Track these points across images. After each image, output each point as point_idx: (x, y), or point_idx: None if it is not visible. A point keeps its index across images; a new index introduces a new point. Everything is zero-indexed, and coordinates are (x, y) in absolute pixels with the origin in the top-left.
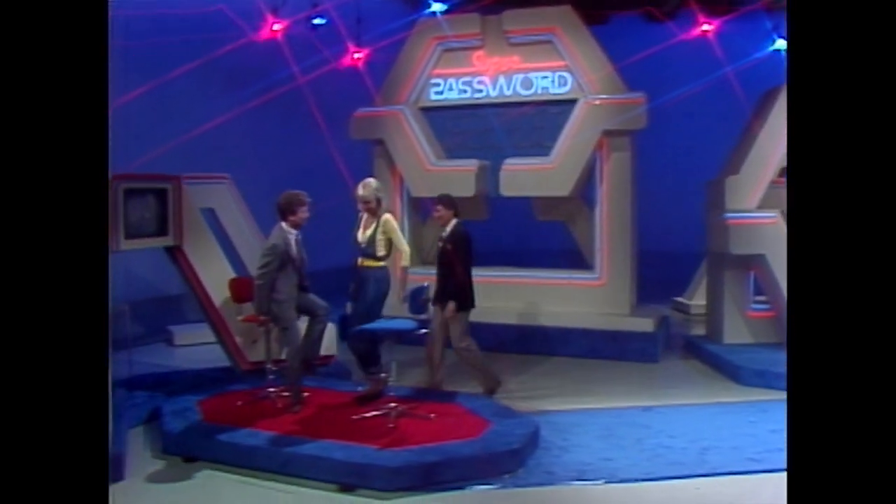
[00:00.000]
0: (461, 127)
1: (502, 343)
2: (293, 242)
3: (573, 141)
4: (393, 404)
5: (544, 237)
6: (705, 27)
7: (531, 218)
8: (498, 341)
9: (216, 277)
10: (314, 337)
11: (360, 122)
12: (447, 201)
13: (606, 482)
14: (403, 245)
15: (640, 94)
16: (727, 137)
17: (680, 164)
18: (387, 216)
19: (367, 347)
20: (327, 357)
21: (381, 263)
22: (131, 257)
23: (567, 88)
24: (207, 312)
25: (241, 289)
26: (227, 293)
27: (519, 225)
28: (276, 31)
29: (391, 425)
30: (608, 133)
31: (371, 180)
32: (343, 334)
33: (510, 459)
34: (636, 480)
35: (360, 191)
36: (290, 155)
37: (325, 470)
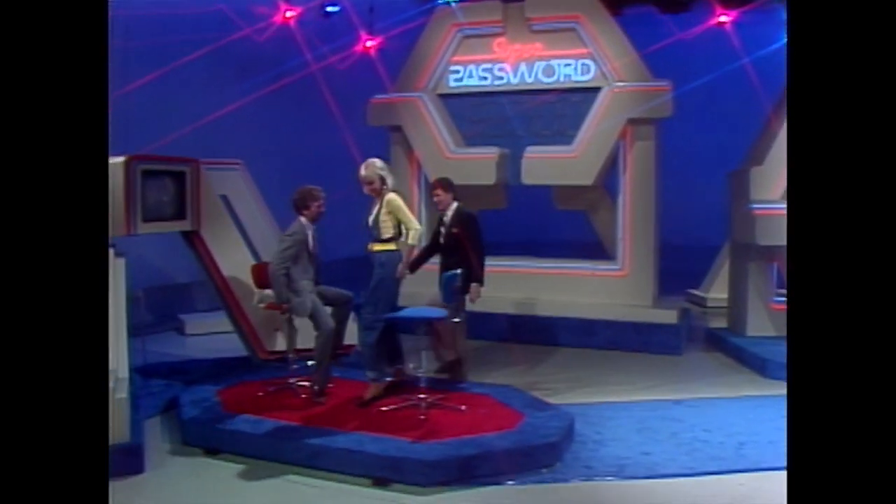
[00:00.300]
0: (480, 114)
1: (523, 334)
2: (310, 236)
3: (597, 129)
4: (422, 395)
5: (562, 227)
6: (722, 18)
7: (550, 207)
8: (518, 332)
9: (235, 264)
10: (337, 327)
11: (378, 108)
12: (446, 184)
13: (648, 477)
14: (413, 223)
15: (665, 82)
16: (735, 130)
17: (690, 156)
18: (390, 195)
19: (382, 340)
20: (347, 346)
21: (389, 247)
22: (139, 243)
23: (590, 76)
24: (225, 300)
25: (263, 274)
26: (245, 280)
27: (537, 214)
28: (288, 17)
29: (422, 417)
30: (633, 121)
31: (374, 160)
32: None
33: (548, 453)
34: (678, 476)
35: (362, 171)
36: (302, 143)
37: (358, 463)
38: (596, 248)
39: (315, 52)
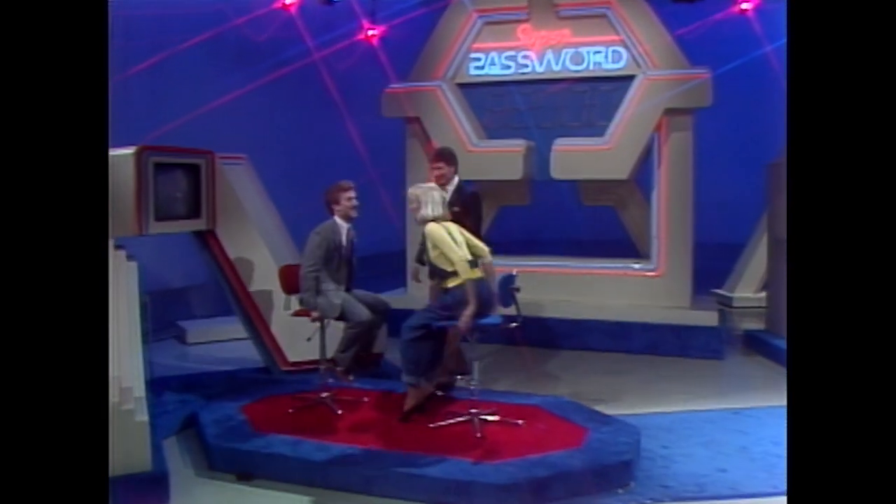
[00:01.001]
0: (502, 105)
1: (555, 338)
2: (344, 235)
3: (631, 120)
4: (474, 410)
5: (588, 223)
6: (744, 6)
7: (575, 203)
8: (550, 336)
9: (253, 266)
10: (373, 331)
11: (392, 98)
12: (449, 156)
13: (731, 497)
14: (453, 253)
15: (703, 69)
16: (756, 121)
17: (701, 150)
18: (427, 227)
19: (425, 343)
20: (375, 355)
21: (459, 280)
22: (127, 243)
23: (622, 64)
24: (242, 306)
25: (292, 278)
26: (265, 283)
27: (562, 211)
28: (288, 4)
29: (478, 435)
30: (669, 111)
31: (422, 184)
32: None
33: (622, 472)
34: (762, 495)
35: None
36: (304, 136)
37: (419, 489)
38: (627, 246)
39: (316, 41)
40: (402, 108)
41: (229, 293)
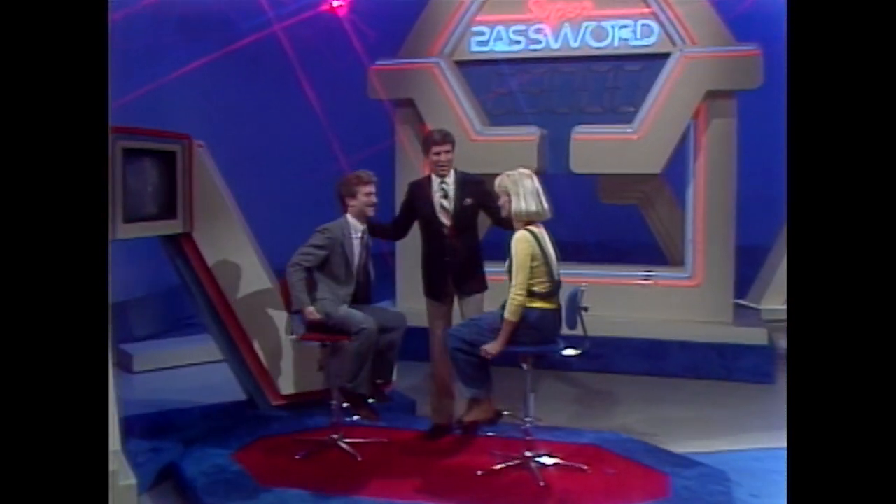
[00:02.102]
0: (508, 86)
1: (578, 358)
2: (355, 239)
3: (666, 104)
4: (528, 452)
5: (605, 224)
6: None
7: (591, 200)
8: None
9: (239, 277)
10: (388, 353)
11: (381, 77)
12: (453, 140)
13: None
14: (518, 278)
15: (753, 45)
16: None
17: None
18: (517, 234)
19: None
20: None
21: (538, 303)
22: None
23: (653, 40)
24: (223, 326)
25: None
26: (253, 299)
27: (575, 210)
28: None
29: (541, 483)
30: (710, 95)
31: (515, 173)
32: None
33: None
34: None
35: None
36: (264, 121)
37: None
38: (627, 251)
39: (275, 11)
40: (392, 88)
41: (205, 310)
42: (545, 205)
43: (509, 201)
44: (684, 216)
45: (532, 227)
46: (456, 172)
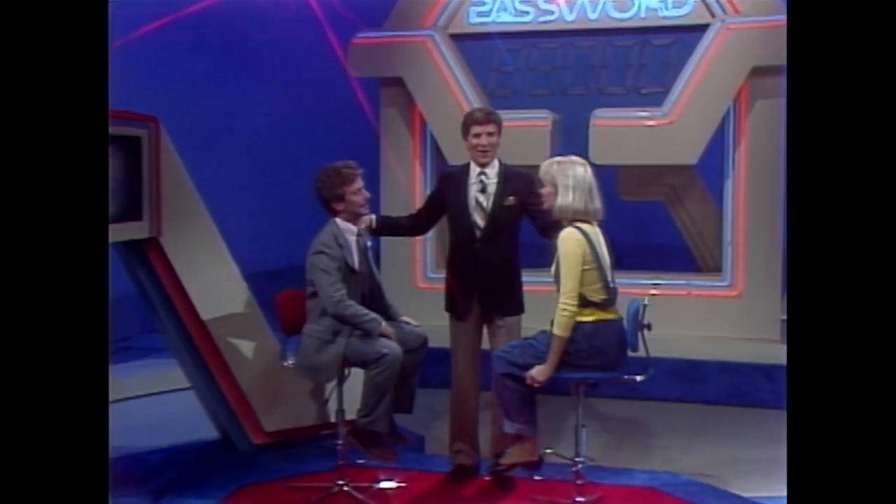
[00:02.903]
0: (515, 64)
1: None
2: (354, 246)
3: (703, 84)
4: (580, 499)
5: (624, 223)
6: None
7: (609, 196)
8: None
9: (216, 292)
10: (407, 379)
11: (364, 52)
12: (500, 121)
13: None
14: (566, 293)
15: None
16: None
17: None
18: (564, 232)
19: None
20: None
21: (593, 315)
22: None
23: (686, 10)
24: (196, 348)
25: (299, 311)
26: (232, 319)
27: None
28: None
29: None
30: (755, 72)
31: (565, 160)
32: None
33: None
34: None
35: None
36: (221, 97)
37: None
38: (650, 255)
39: None
40: (377, 65)
41: (172, 330)
42: (597, 203)
43: (554, 194)
44: (722, 214)
45: (582, 224)
46: (501, 164)
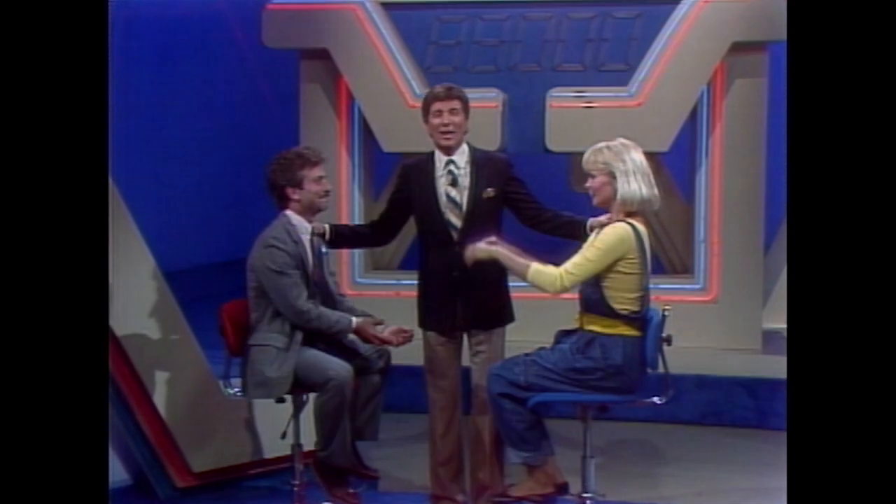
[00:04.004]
0: (456, 36)
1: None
2: (308, 245)
3: (675, 61)
4: None
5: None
6: None
7: (559, 187)
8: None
9: (133, 302)
10: (369, 402)
11: (282, 19)
12: (465, 98)
13: None
14: (584, 263)
15: None
16: None
17: None
18: (614, 227)
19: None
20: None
21: (618, 328)
22: None
23: None
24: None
25: (241, 325)
26: (156, 336)
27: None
28: None
29: None
30: (735, 48)
31: (617, 143)
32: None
33: None
34: None
35: (586, 156)
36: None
37: None
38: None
39: None
40: (298, 35)
41: None
42: (656, 190)
43: (611, 183)
44: (694, 209)
45: (635, 222)
46: (470, 149)
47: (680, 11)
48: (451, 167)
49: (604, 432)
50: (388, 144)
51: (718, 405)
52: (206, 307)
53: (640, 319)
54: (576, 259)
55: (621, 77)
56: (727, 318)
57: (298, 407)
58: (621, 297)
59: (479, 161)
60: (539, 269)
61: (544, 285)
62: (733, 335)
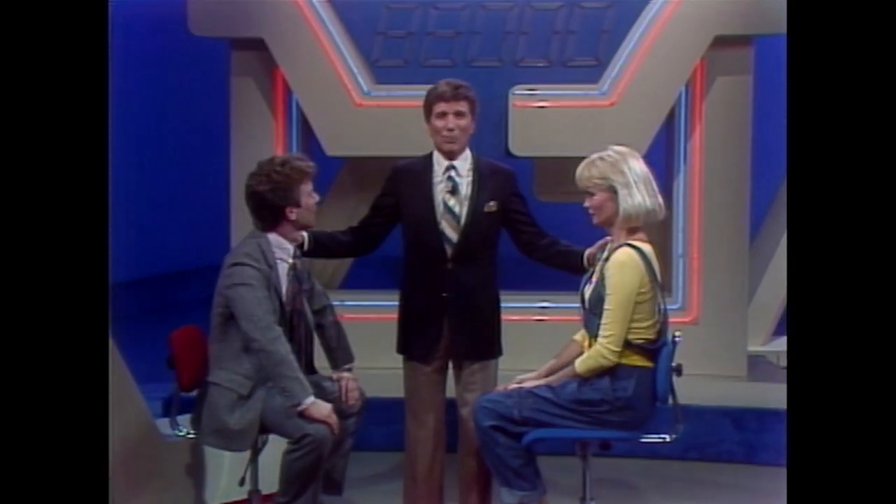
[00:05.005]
0: (407, 26)
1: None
2: (285, 274)
3: (651, 56)
4: None
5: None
6: None
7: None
8: None
9: None
10: (336, 449)
11: (210, 4)
12: (472, 98)
13: None
14: (609, 326)
15: None
16: None
17: None
18: (620, 253)
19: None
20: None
21: (633, 359)
22: None
23: None
24: None
25: (200, 354)
26: None
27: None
28: None
29: None
30: (717, 42)
31: (620, 150)
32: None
33: None
34: None
35: (580, 170)
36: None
37: None
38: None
39: None
40: (230, 22)
41: None
42: (660, 198)
43: (612, 199)
44: (670, 221)
45: (639, 243)
46: (474, 157)
47: (657, 1)
48: (452, 173)
49: (570, 467)
50: (333, 147)
51: (701, 438)
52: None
53: (654, 349)
54: (603, 321)
55: (591, 73)
56: (709, 341)
57: (257, 451)
58: (636, 327)
59: (484, 170)
60: (582, 361)
61: (598, 367)
62: (716, 360)
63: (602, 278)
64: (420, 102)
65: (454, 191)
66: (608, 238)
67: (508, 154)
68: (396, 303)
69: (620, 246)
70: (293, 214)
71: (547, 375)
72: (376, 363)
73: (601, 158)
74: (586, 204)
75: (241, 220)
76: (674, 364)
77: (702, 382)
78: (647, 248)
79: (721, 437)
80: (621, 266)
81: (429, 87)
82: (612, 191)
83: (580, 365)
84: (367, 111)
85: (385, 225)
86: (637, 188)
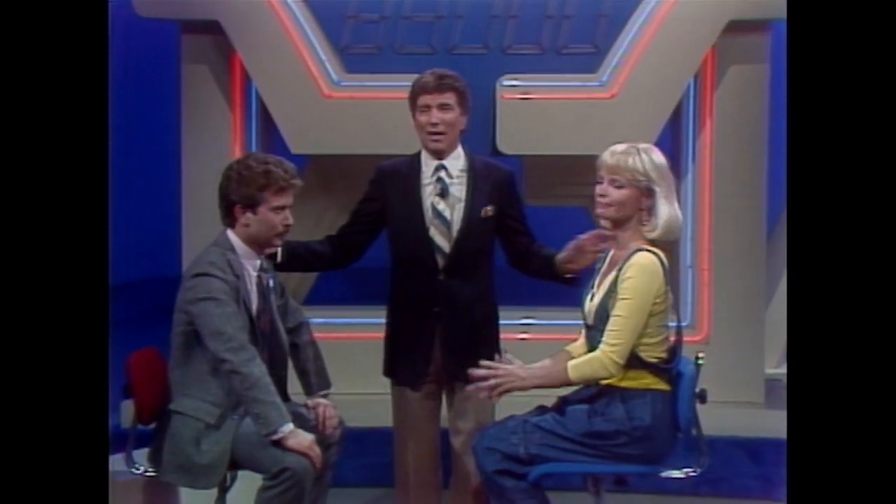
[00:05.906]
0: (381, 11)
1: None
2: (254, 285)
3: (656, 44)
4: None
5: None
6: None
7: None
8: None
9: None
10: (320, 481)
11: None
12: (463, 89)
13: None
14: (626, 329)
15: None
16: None
17: None
18: (641, 261)
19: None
20: None
21: (644, 380)
22: None
23: None
24: None
25: (161, 382)
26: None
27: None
28: None
29: None
30: (730, 28)
31: (651, 151)
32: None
33: None
34: None
35: (607, 158)
36: None
37: None
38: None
39: None
40: (181, 3)
41: None
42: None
43: (639, 200)
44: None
45: (657, 250)
46: (467, 155)
47: None
48: (442, 174)
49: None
50: (298, 144)
51: (715, 471)
52: None
53: (670, 370)
54: (610, 327)
55: (588, 62)
56: (721, 362)
57: (225, 488)
58: (646, 343)
59: (479, 170)
60: (577, 365)
61: (595, 377)
62: (729, 384)
63: (609, 290)
64: (395, 94)
65: (444, 193)
66: (604, 232)
67: (496, 152)
68: (367, 320)
69: (639, 250)
70: (244, 219)
71: (541, 376)
72: (345, 388)
73: (643, 151)
74: (598, 191)
75: (192, 223)
76: (697, 389)
77: (714, 409)
78: (663, 255)
79: (736, 470)
80: (643, 269)
81: (405, 76)
82: (648, 193)
83: (574, 370)
84: (337, 103)
85: (368, 233)
86: (675, 196)
